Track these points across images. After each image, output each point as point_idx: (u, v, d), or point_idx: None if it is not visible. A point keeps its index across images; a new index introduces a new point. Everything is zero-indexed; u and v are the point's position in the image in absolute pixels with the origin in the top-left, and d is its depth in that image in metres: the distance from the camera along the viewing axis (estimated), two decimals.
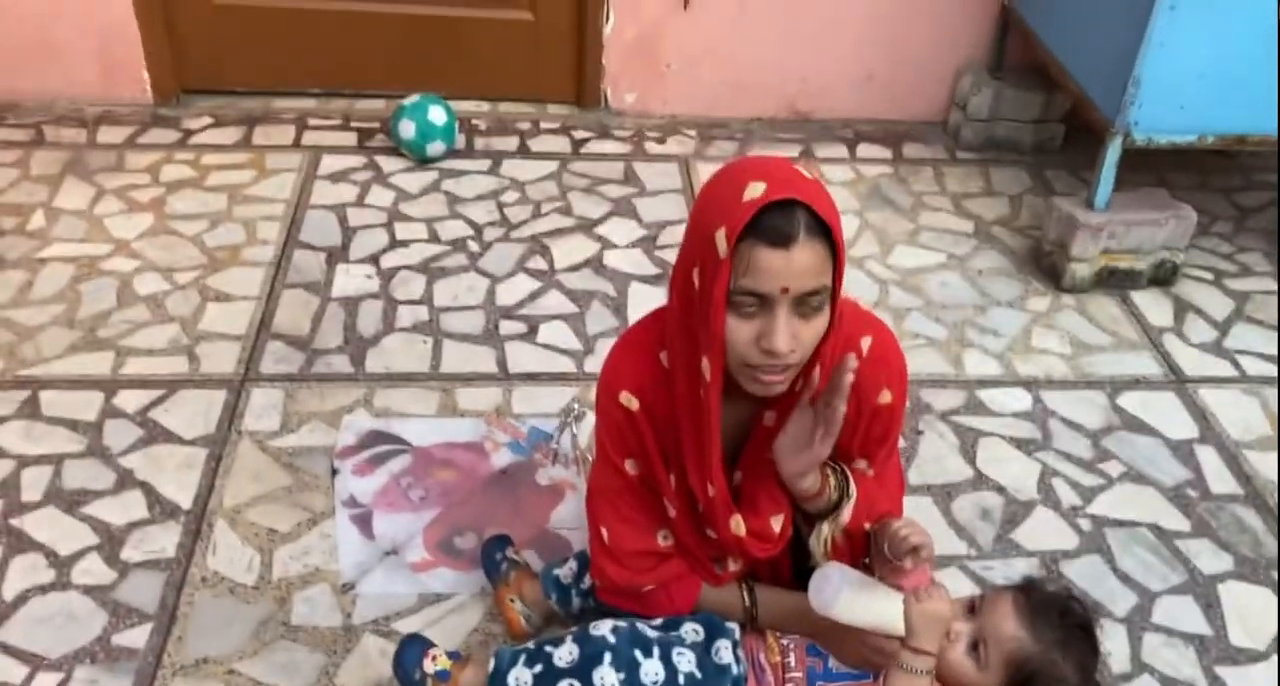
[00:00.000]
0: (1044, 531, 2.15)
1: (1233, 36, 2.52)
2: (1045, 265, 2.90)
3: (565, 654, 1.52)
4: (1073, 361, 2.61)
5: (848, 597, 1.45)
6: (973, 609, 1.53)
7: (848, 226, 3.04)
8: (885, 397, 1.50)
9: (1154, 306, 2.82)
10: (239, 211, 2.91)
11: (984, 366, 2.58)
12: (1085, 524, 2.17)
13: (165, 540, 1.98)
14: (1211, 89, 2.59)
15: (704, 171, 3.25)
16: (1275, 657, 1.93)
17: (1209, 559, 2.11)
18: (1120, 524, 2.17)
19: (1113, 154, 2.67)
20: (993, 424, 2.40)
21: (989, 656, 1.47)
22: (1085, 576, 2.05)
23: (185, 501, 2.06)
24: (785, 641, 1.59)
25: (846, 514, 1.51)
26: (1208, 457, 2.35)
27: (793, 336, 1.30)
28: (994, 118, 3.42)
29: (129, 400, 2.28)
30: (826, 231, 1.28)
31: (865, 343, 1.48)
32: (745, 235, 1.25)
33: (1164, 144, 2.68)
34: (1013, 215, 3.16)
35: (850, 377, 1.32)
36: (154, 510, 2.04)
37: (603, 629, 1.53)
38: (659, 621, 1.60)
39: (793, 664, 1.56)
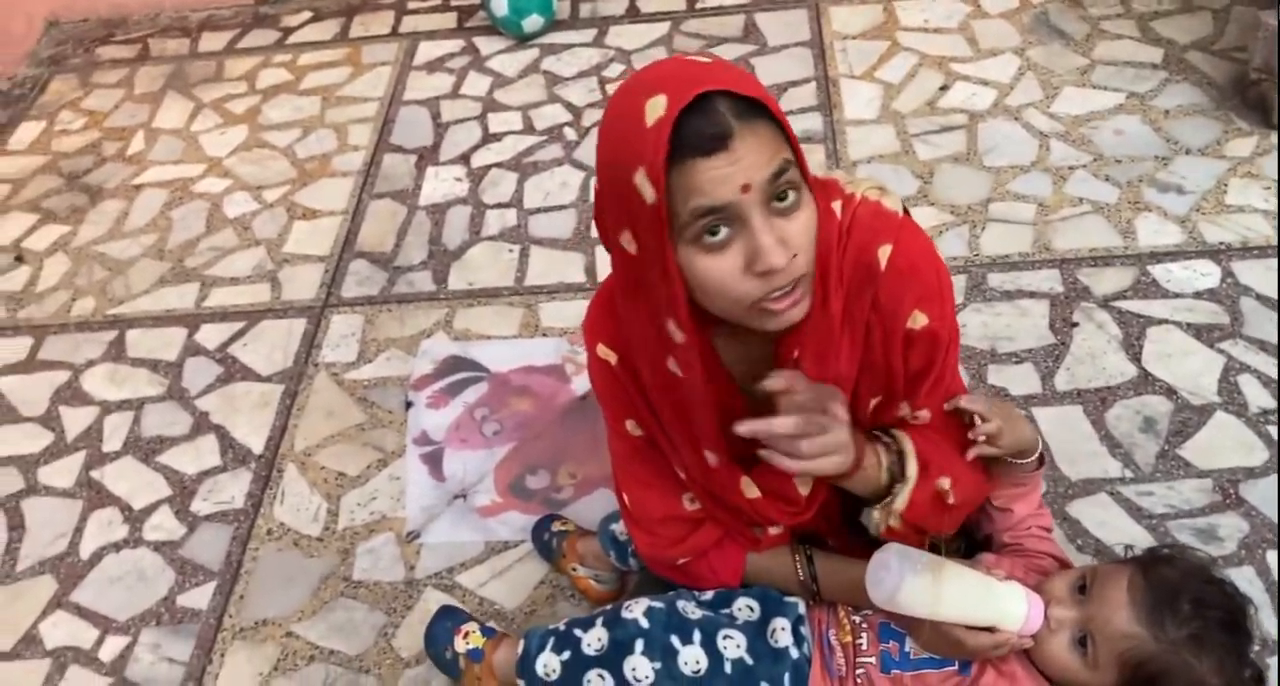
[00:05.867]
0: (1222, 443, 1.78)
1: None
2: (1252, 97, 2.38)
3: (594, 640, 1.34)
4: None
5: (911, 588, 1.19)
6: (1083, 588, 1.23)
7: (1004, 66, 2.59)
8: (919, 320, 1.17)
9: None
10: (331, 115, 2.76)
11: (1161, 234, 2.14)
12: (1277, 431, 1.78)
13: (235, 489, 1.92)
14: None
15: (836, 16, 2.84)
16: None
17: None
18: None
19: None
20: (1166, 308, 2.00)
21: (1098, 654, 1.18)
22: (1274, 502, 1.69)
23: (257, 445, 1.99)
24: (857, 618, 1.35)
25: (901, 501, 1.22)
26: None
27: (783, 241, 1.01)
28: None
29: (210, 335, 2.21)
30: (758, 106, 0.99)
31: (883, 253, 1.14)
32: (673, 160, 0.97)
33: None
34: (1216, 34, 2.61)
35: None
36: (226, 456, 1.98)
37: (635, 611, 1.34)
38: (710, 596, 1.39)
39: (865, 646, 1.32)
